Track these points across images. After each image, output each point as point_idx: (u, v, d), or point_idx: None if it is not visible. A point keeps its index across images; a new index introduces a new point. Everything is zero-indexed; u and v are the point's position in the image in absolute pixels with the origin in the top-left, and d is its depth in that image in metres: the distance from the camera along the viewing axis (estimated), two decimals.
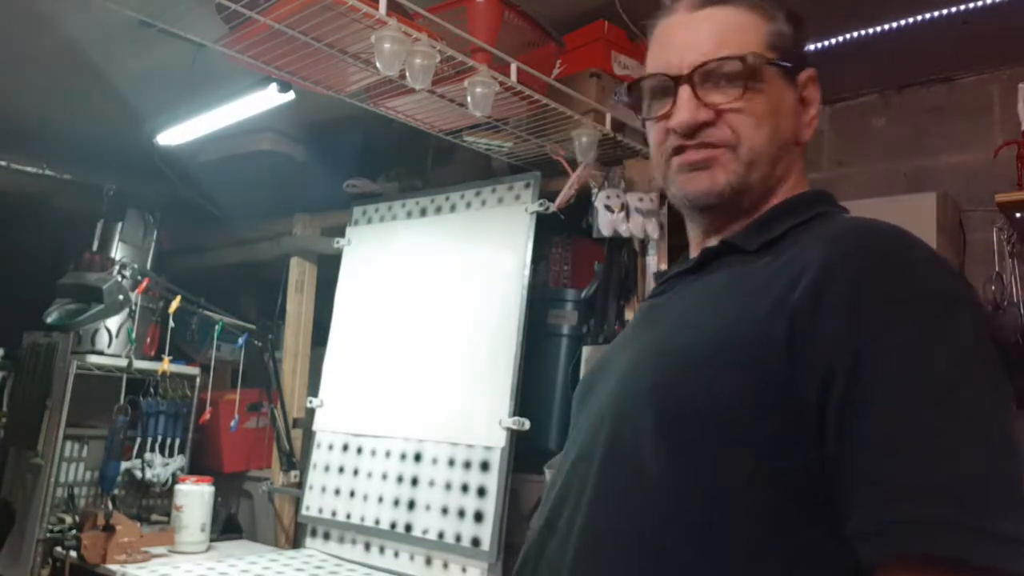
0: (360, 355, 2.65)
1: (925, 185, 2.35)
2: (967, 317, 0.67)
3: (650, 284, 2.12)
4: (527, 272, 2.24)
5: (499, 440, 2.16)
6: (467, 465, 2.22)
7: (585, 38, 2.13)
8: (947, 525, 0.57)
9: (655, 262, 2.15)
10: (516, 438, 2.16)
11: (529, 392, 2.21)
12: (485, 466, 2.18)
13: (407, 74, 1.69)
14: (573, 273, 2.62)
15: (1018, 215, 2.01)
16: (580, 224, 2.24)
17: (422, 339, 2.46)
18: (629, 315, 2.18)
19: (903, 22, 2.10)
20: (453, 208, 2.54)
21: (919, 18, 2.08)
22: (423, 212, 2.63)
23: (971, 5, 2.01)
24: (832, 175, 2.61)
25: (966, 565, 0.57)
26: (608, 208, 2.11)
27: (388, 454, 2.43)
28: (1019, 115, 2.00)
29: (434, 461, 2.30)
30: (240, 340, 2.83)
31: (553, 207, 2.22)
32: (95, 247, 3.03)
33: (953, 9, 2.03)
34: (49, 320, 2.51)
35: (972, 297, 0.71)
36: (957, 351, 0.64)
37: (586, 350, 2.13)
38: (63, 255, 2.98)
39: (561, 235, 2.62)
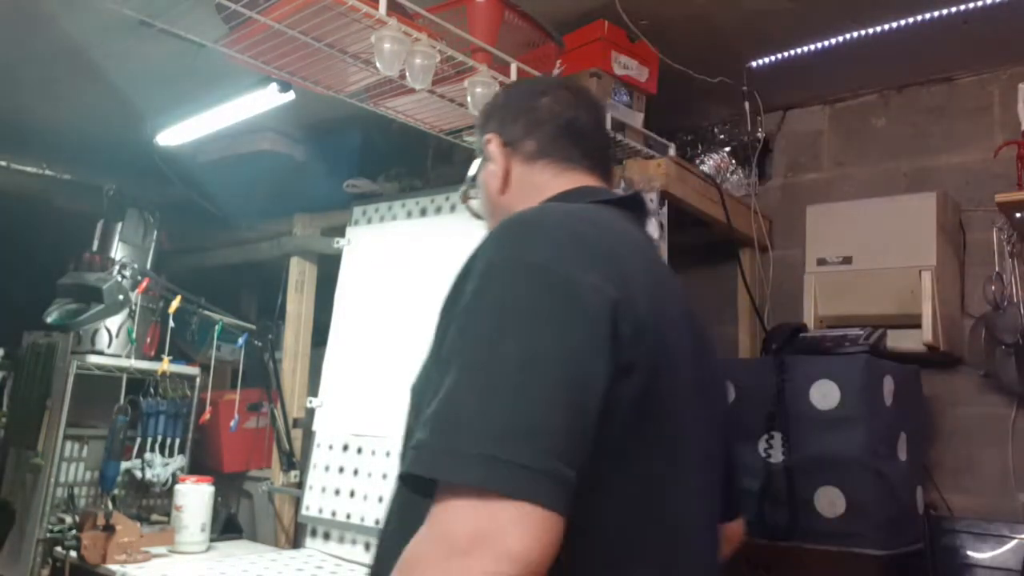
0: (360, 355, 2.65)
1: (925, 185, 2.35)
2: (504, 282, 0.80)
3: None
4: None
5: None
6: None
7: (585, 38, 2.13)
8: (423, 448, 0.70)
9: None
10: None
11: None
12: None
13: (407, 74, 1.69)
14: None
15: (1018, 215, 2.01)
16: None
17: (422, 339, 2.45)
18: None
19: (903, 22, 2.10)
20: (453, 208, 2.53)
21: (919, 18, 2.08)
22: (423, 212, 2.63)
23: (971, 5, 2.01)
24: (832, 175, 2.61)
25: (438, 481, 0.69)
26: None
27: (388, 454, 2.43)
28: (1019, 115, 2.00)
29: None
30: (240, 340, 2.83)
31: None
32: (95, 247, 3.03)
33: (953, 9, 2.03)
34: (49, 320, 2.51)
35: (524, 260, 0.81)
36: (485, 315, 0.79)
37: None
38: (63, 255, 2.98)
39: None
